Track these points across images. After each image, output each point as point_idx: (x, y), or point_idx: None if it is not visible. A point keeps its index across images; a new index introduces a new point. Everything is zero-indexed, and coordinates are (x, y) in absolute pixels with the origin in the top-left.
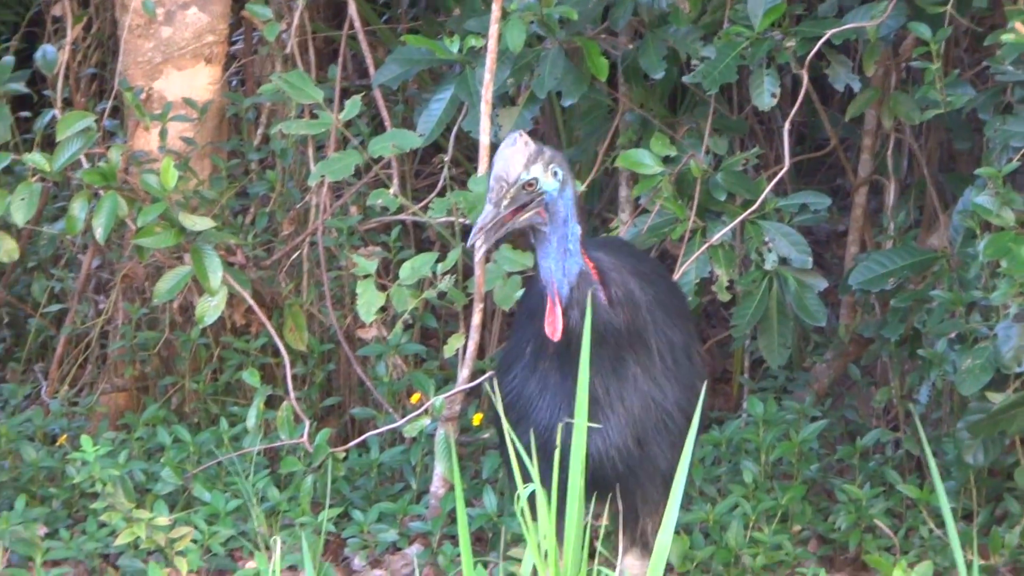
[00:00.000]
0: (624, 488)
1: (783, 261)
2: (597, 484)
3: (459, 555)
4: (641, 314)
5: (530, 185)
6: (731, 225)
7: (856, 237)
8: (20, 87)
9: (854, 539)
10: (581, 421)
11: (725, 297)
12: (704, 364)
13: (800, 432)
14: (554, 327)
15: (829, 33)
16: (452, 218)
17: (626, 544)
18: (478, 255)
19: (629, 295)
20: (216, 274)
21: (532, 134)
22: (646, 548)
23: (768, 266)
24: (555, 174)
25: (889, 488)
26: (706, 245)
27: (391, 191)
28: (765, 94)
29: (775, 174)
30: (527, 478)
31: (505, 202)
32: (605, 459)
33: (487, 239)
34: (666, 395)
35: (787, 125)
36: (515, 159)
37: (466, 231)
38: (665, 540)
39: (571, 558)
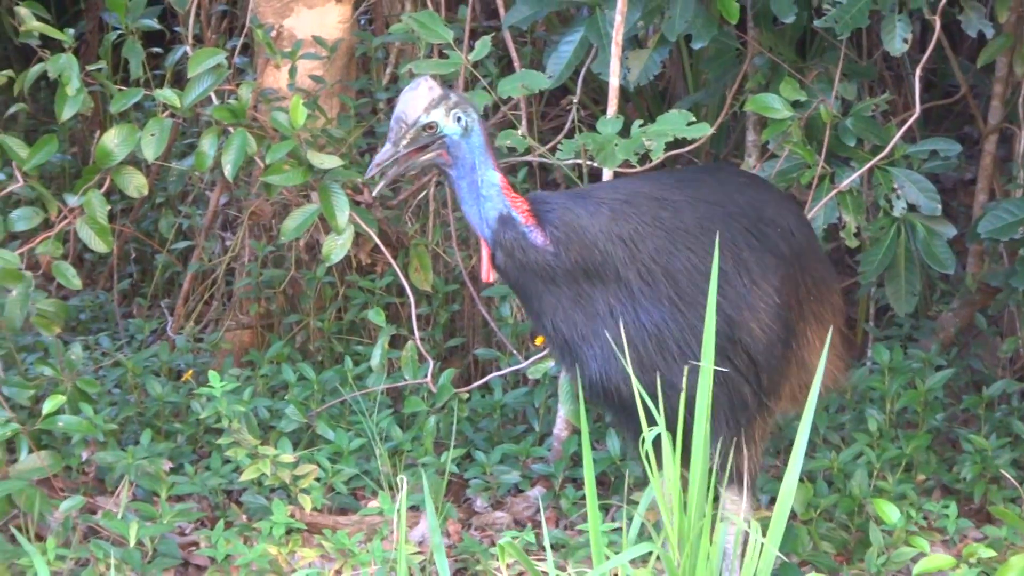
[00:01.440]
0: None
1: (911, 208)
2: (613, 407)
3: (581, 498)
4: (599, 248)
5: (429, 128)
6: (860, 171)
7: (985, 185)
8: (152, 23)
9: (979, 490)
10: (708, 362)
11: (853, 243)
12: (756, 286)
13: (926, 381)
14: (484, 270)
15: None
16: (580, 160)
17: (729, 482)
18: (375, 191)
19: (577, 232)
20: (343, 212)
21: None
22: (743, 486)
23: (896, 213)
24: (458, 120)
25: (1015, 439)
26: (835, 191)
27: (519, 132)
28: (897, 39)
29: (904, 121)
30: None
31: (404, 142)
32: (607, 386)
33: (385, 175)
34: (665, 321)
35: (918, 71)
36: (415, 102)
37: (592, 174)
38: (789, 487)
39: (696, 503)
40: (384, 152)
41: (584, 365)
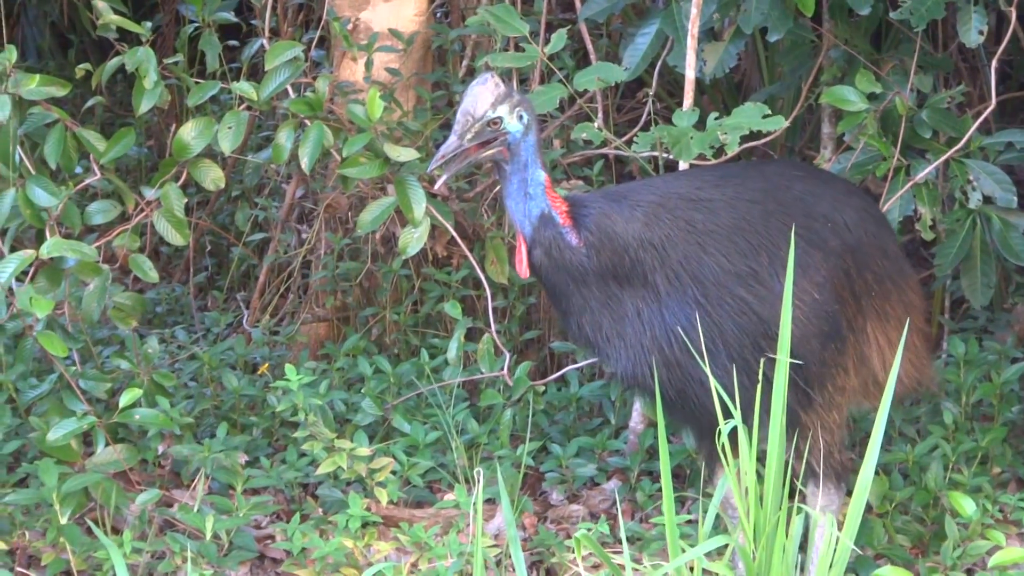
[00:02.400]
0: (698, 404)
1: (987, 200)
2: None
3: (657, 490)
4: (629, 255)
5: (494, 123)
6: (936, 163)
7: None
8: (228, 16)
9: None
10: (783, 358)
11: (929, 236)
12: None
13: (1001, 374)
14: (520, 264)
15: None
16: (656, 153)
17: (808, 474)
18: (439, 183)
19: (610, 238)
20: (420, 205)
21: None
22: (817, 478)
23: (972, 205)
24: (520, 117)
25: None
26: (910, 183)
27: (595, 125)
28: (972, 31)
29: (980, 112)
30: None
31: (469, 136)
32: (639, 381)
33: (448, 168)
34: (693, 321)
35: (994, 63)
36: (483, 97)
37: (668, 166)
38: (865, 479)
39: (771, 495)
40: (449, 144)
41: (611, 362)
